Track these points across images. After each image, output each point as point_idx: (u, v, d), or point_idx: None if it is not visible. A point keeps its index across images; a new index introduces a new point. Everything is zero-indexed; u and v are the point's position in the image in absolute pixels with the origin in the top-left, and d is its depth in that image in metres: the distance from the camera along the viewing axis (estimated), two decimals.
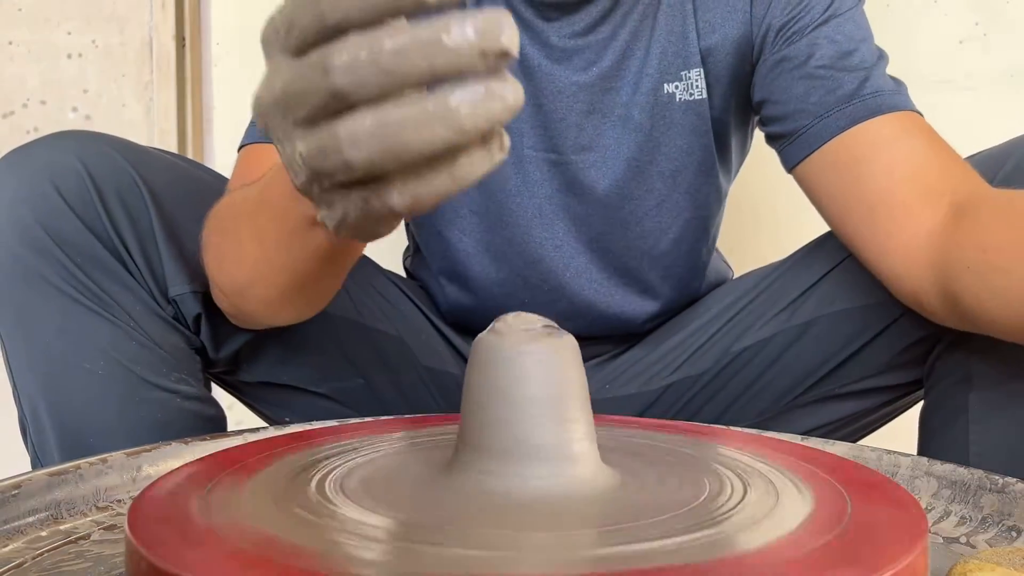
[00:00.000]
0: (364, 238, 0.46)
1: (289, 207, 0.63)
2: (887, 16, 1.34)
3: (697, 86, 0.89)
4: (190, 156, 1.49)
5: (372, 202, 0.41)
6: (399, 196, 0.40)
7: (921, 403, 0.85)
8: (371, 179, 0.40)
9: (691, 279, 0.99)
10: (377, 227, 0.44)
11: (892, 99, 0.79)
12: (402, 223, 1.10)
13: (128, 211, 0.79)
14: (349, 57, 0.37)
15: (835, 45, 0.82)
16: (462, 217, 0.93)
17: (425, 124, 0.37)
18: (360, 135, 0.38)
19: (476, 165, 0.39)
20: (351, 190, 0.41)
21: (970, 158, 0.81)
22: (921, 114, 0.81)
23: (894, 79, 0.82)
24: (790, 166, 0.84)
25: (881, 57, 0.83)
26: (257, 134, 0.87)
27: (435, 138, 0.37)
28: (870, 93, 0.79)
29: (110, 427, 0.79)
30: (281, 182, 0.62)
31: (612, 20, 0.88)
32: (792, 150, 0.84)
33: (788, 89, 0.84)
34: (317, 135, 0.40)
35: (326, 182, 0.42)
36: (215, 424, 0.87)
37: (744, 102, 0.90)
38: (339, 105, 0.38)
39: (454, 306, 0.98)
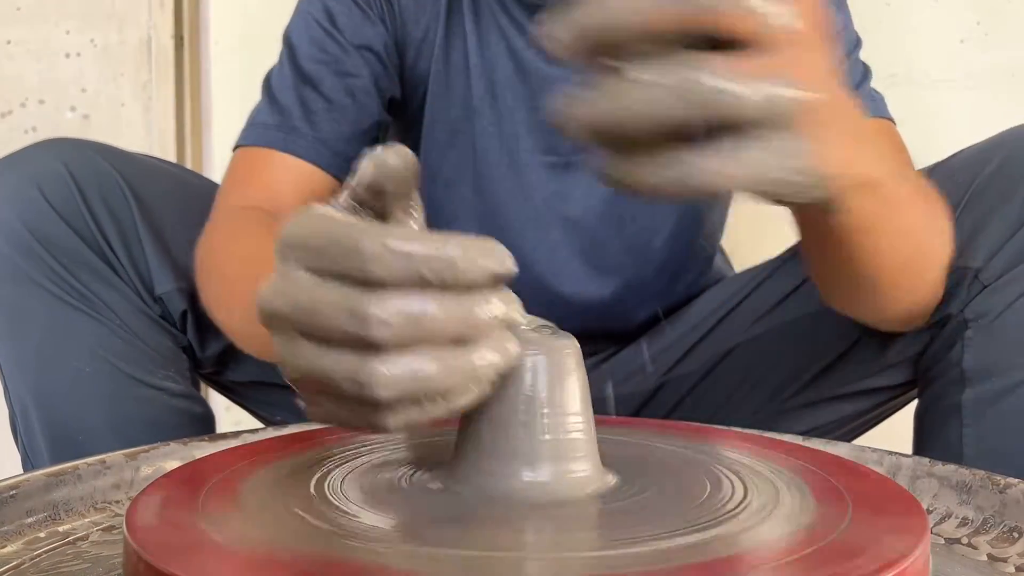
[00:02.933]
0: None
1: None
2: (888, 14, 1.33)
3: None
4: (188, 156, 1.49)
5: (367, 419, 0.41)
6: (394, 420, 0.41)
7: (915, 402, 0.85)
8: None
9: (687, 275, 0.99)
10: (355, 431, 0.46)
11: None
12: None
13: (112, 212, 0.80)
14: (388, 316, 0.38)
15: None
16: (459, 222, 0.93)
17: (449, 376, 0.40)
18: (391, 380, 0.39)
19: (474, 398, 0.43)
20: (346, 403, 0.42)
21: (957, 155, 0.81)
22: (880, 110, 0.81)
23: (862, 70, 0.83)
24: None
25: (848, 55, 0.83)
26: (255, 138, 0.87)
27: (455, 387, 0.41)
28: None
29: (98, 425, 0.80)
30: None
31: None
32: None
33: None
34: (341, 361, 0.40)
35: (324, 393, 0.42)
36: (203, 422, 0.87)
37: None
38: (366, 347, 0.39)
39: None
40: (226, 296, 0.74)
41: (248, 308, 0.64)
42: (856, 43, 0.84)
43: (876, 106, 0.82)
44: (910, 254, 0.68)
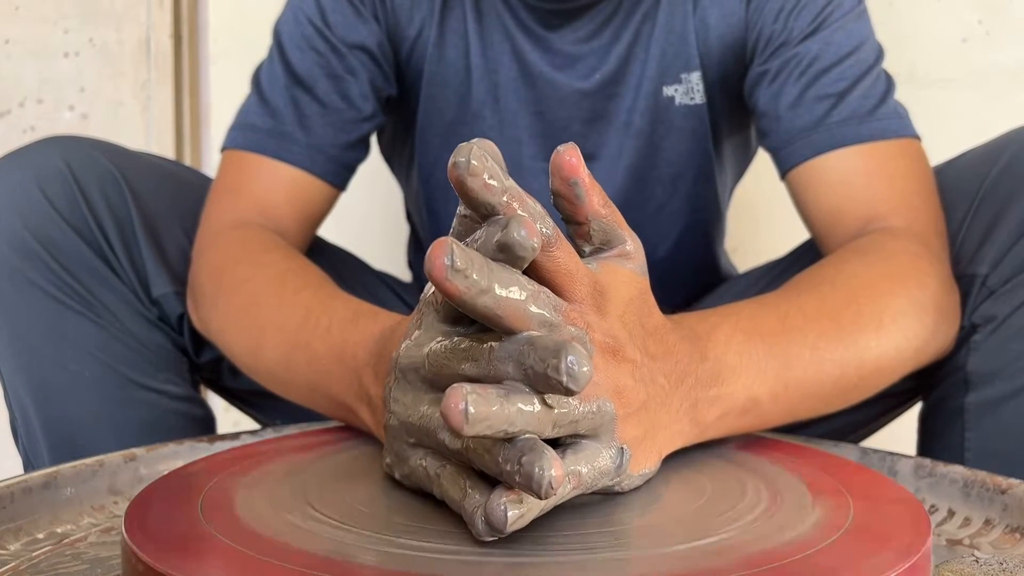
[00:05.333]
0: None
1: (334, 387, 0.60)
2: (890, 14, 1.33)
3: (696, 90, 0.88)
4: (187, 155, 1.49)
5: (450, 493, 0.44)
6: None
7: (920, 405, 0.84)
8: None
9: (691, 285, 0.98)
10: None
11: (856, 129, 0.78)
12: (404, 218, 1.10)
13: (113, 212, 0.80)
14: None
15: (815, 63, 0.80)
16: None
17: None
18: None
19: None
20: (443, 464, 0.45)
21: (965, 154, 0.81)
22: (906, 128, 0.79)
23: (886, 83, 0.81)
24: (780, 176, 0.84)
25: (872, 67, 0.81)
26: (245, 141, 0.85)
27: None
28: (837, 121, 0.79)
29: (98, 428, 0.80)
30: (340, 375, 0.59)
31: (615, 23, 0.87)
32: (776, 162, 0.84)
33: (767, 105, 0.83)
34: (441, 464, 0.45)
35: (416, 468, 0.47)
36: (203, 424, 0.87)
37: (743, 106, 0.89)
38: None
39: None
40: (252, 335, 0.70)
41: (288, 356, 0.65)
42: (879, 54, 0.82)
43: (900, 124, 0.79)
44: (851, 377, 0.62)
